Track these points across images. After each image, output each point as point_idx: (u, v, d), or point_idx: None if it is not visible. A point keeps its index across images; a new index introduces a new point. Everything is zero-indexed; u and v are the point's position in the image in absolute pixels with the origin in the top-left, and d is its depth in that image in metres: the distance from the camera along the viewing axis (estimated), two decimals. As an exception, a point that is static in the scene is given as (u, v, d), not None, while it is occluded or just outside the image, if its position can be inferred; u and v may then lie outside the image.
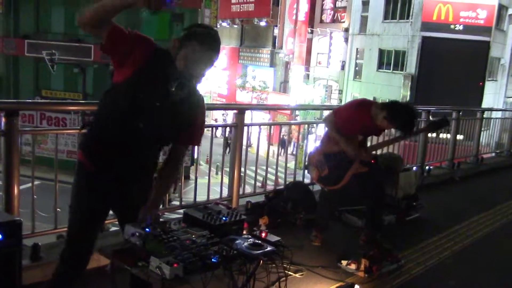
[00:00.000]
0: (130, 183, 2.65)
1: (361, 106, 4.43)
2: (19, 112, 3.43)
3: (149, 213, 2.55)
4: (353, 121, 4.33)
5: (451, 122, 8.31)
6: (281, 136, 11.48)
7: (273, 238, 2.83)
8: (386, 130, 4.92)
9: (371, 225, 4.78)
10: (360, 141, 4.50)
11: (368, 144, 4.81)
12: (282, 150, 10.10)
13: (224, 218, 2.82)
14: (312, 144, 6.56)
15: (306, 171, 6.37)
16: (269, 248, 2.64)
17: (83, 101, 17.84)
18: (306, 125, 7.51)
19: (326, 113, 5.62)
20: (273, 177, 6.37)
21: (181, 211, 3.39)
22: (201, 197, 5.04)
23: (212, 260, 2.35)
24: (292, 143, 24.44)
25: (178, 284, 2.19)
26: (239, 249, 2.54)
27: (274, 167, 6.25)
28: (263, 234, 2.82)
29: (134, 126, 2.47)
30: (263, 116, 27.64)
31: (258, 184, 6.25)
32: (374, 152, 4.86)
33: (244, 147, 5.10)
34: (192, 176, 20.46)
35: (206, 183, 5.20)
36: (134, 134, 2.49)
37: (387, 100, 4.54)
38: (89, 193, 2.58)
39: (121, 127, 2.49)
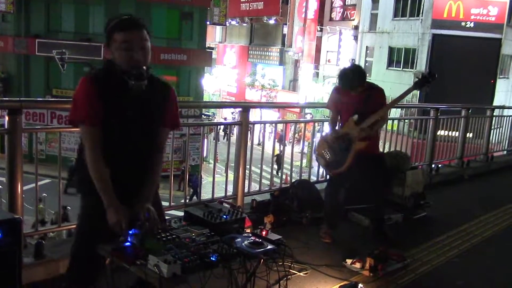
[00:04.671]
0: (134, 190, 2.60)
1: (337, 89, 4.79)
2: (23, 110, 3.43)
3: (143, 209, 2.49)
4: (339, 103, 4.71)
5: (460, 120, 8.23)
6: (280, 132, 11.36)
7: (274, 236, 2.81)
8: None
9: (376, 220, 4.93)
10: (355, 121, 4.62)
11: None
12: (281, 146, 10.10)
13: (224, 217, 2.80)
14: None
15: (313, 168, 6.36)
16: (269, 247, 2.62)
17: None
18: (315, 123, 7.42)
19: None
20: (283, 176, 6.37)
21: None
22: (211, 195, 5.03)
23: (211, 258, 2.33)
24: (301, 142, 24.37)
25: (176, 283, 2.17)
26: (239, 248, 2.52)
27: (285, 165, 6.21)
28: (264, 233, 2.80)
29: (128, 140, 2.57)
30: (273, 115, 27.68)
31: (268, 182, 6.24)
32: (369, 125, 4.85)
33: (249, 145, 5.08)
34: (202, 175, 20.56)
35: (218, 181, 5.20)
36: (131, 144, 2.58)
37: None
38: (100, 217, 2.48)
39: (118, 147, 2.55)
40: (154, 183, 2.66)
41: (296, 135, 22.48)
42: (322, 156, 4.79)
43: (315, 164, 5.77)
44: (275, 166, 5.61)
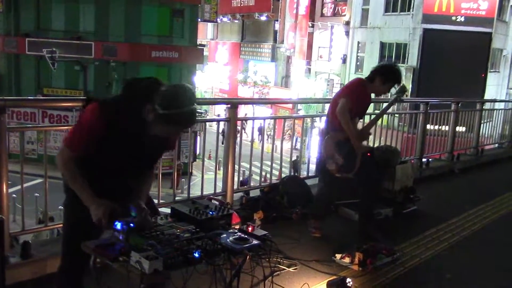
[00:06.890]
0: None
1: (362, 85, 4.64)
2: (6, 109, 3.39)
3: (137, 205, 2.50)
4: (359, 102, 4.58)
5: (449, 114, 8.27)
6: (259, 124, 11.07)
7: (261, 232, 2.80)
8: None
9: (361, 216, 4.86)
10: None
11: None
12: (261, 138, 9.90)
13: (211, 213, 2.78)
14: (315, 137, 6.40)
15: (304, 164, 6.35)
16: (254, 242, 2.61)
17: (72, 97, 17.80)
18: (309, 119, 7.29)
19: (326, 106, 5.65)
20: (276, 172, 6.36)
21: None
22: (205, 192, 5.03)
23: (194, 254, 2.32)
24: (294, 138, 24.38)
25: (157, 279, 2.16)
26: (223, 244, 2.50)
27: (277, 161, 6.21)
28: (250, 228, 2.79)
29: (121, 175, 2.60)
30: (266, 111, 27.63)
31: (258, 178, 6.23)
32: (370, 131, 4.99)
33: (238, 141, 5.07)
34: (194, 172, 20.50)
35: (211, 178, 5.18)
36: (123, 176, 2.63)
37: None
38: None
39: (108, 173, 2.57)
40: (147, 191, 2.77)
41: (289, 131, 22.49)
42: (334, 160, 4.61)
43: (305, 159, 5.77)
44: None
